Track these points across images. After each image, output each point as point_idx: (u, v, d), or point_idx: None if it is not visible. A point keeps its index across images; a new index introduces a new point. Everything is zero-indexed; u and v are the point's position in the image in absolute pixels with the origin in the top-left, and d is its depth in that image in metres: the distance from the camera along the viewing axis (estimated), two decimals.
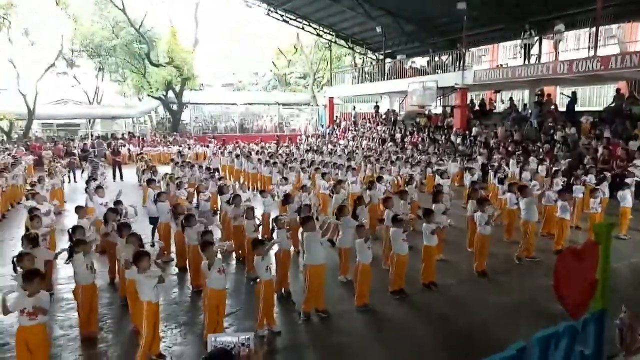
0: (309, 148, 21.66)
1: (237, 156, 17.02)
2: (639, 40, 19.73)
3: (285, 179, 11.07)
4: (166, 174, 12.52)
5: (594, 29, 16.20)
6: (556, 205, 8.22)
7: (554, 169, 12.31)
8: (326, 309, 6.06)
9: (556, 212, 8.15)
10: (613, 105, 17.56)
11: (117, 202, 8.14)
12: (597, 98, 24.35)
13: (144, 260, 4.59)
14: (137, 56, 30.71)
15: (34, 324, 4.14)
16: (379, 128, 26.20)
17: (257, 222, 7.66)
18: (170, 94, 31.71)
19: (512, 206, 8.71)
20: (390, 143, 22.11)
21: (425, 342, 5.49)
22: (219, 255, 5.92)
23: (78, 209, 7.80)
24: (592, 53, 15.70)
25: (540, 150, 15.33)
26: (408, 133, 23.36)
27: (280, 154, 18.82)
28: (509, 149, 16.29)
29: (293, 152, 20.45)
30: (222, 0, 28.90)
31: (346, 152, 18.67)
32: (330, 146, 22.84)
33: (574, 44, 21.63)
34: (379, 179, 10.95)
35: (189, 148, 23.83)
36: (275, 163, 14.26)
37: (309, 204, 8.12)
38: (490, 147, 17.33)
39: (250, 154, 18.01)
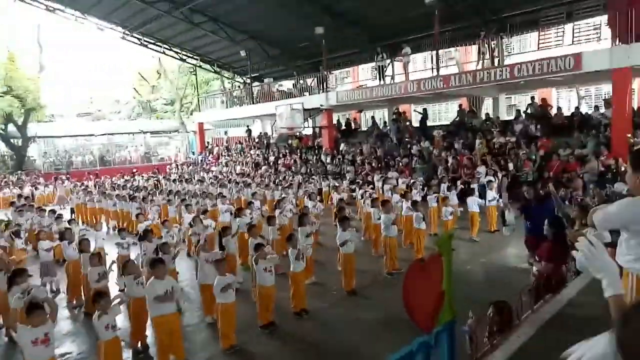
0: (176, 178, 20.49)
1: (89, 193, 15.40)
2: (473, 62, 22.47)
3: (139, 215, 10.14)
4: (1, 221, 10.72)
5: (435, 52, 18.08)
6: (412, 217, 8.69)
7: (411, 181, 13.15)
8: (186, 359, 5.48)
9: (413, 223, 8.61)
10: (457, 119, 19.66)
11: None
12: (445, 113, 27.15)
13: None
14: None
15: None
16: (252, 152, 25.98)
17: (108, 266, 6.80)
18: (13, 127, 27.83)
19: (376, 221, 9.00)
20: (264, 166, 21.98)
21: None
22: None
23: None
24: (435, 73, 17.43)
25: (400, 164, 16.41)
26: (281, 155, 23.51)
27: (145, 187, 17.48)
28: (373, 164, 17.17)
29: (160, 183, 19.17)
30: (70, 23, 26.00)
31: (217, 180, 18.00)
32: (202, 174, 21.95)
33: (422, 66, 23.92)
34: (249, 204, 10.63)
35: (36, 188, 20.92)
36: (134, 198, 13.11)
37: (167, 241, 7.46)
38: (356, 164, 18.12)
39: (113, 189, 16.47)
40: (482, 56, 17.24)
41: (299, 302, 6.55)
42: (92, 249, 7.63)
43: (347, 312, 6.82)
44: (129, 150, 33.17)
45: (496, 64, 16.19)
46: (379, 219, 8.81)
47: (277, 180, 15.93)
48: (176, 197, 13.42)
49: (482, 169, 13.86)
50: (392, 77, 20.64)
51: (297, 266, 6.43)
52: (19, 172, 26.21)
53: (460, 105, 20.47)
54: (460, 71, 19.51)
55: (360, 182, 13.74)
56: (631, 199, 2.70)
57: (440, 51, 25.17)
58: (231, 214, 10.32)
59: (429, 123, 21.40)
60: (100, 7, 23.41)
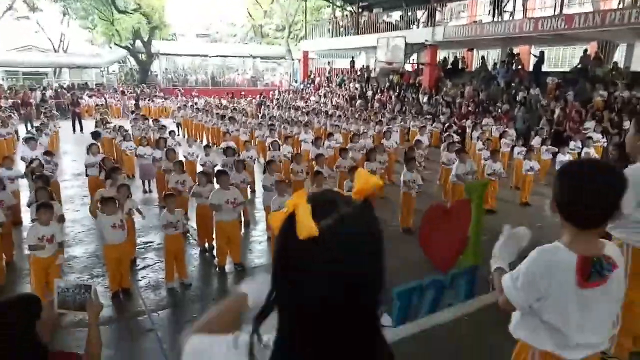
0: (270, 103, 21.36)
1: (196, 110, 16.79)
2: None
3: (226, 133, 10.98)
4: (115, 125, 12.31)
5: None
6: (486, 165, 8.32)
7: (503, 129, 12.35)
8: (242, 263, 6.16)
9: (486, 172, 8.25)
10: (579, 66, 17.51)
11: (47, 153, 8.02)
12: (570, 59, 24.22)
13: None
14: (103, 1, 29.29)
15: None
16: (351, 85, 25.85)
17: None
18: (140, 43, 30.62)
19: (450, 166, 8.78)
20: (359, 100, 21.88)
21: None
22: (129, 208, 5.95)
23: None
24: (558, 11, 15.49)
25: (499, 110, 15.35)
26: (379, 91, 23.11)
27: (243, 109, 18.55)
28: (470, 108, 16.26)
29: (260, 107, 20.18)
30: None
31: (309, 109, 18.43)
32: (299, 102, 22.57)
33: (551, 2, 21.22)
34: (330, 135, 10.92)
35: (152, 101, 23.25)
36: (231, 118, 14.06)
37: (242, 159, 8.11)
38: (452, 107, 17.29)
39: (218, 108, 17.77)
40: None
41: None
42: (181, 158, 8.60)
43: (396, 247, 6.96)
44: (238, 73, 34.85)
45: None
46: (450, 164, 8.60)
47: (363, 115, 15.88)
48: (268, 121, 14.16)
49: (590, 124, 12.48)
50: (512, 14, 18.68)
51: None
52: (142, 85, 29.14)
53: (585, 51, 18.09)
54: (594, 10, 17.13)
55: (447, 125, 13.20)
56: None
57: None
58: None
59: (546, 68, 19.34)
60: None
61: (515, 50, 20.06)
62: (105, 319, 4.78)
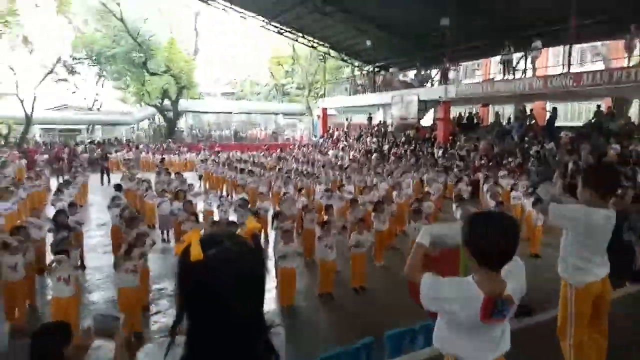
0: (288, 157, 22.10)
1: (217, 164, 17.48)
2: (623, 58, 19.77)
3: (244, 186, 11.44)
4: (139, 178, 12.96)
5: (575, 45, 16.45)
6: None
7: (514, 183, 12.50)
8: None
9: None
10: (593, 121, 17.77)
11: (72, 205, 8.57)
12: (586, 113, 24.49)
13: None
14: (136, 65, 31.37)
15: None
16: (368, 139, 26.53)
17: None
18: (168, 101, 32.35)
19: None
20: (375, 154, 22.39)
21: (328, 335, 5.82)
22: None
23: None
24: (566, 70, 15.97)
25: (512, 164, 15.55)
26: (395, 145, 23.65)
27: (261, 163, 19.22)
28: (482, 162, 16.51)
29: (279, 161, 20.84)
30: (220, 12, 29.08)
31: (325, 163, 18.96)
32: (317, 156, 23.23)
33: (562, 61, 21.84)
34: (340, 187, 11.28)
35: (178, 155, 24.32)
36: (250, 171, 14.62)
37: (257, 211, 8.47)
38: (466, 161, 17.57)
39: (238, 162, 18.51)
40: (630, 52, 15.35)
41: (356, 279, 7.03)
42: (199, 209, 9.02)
43: (402, 296, 7.06)
44: (260, 129, 36.20)
45: None
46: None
47: (377, 168, 16.28)
48: (285, 174, 14.66)
49: None
50: (524, 72, 19.26)
51: (355, 249, 6.91)
52: (168, 140, 30.46)
53: (598, 106, 18.39)
54: (605, 68, 17.56)
55: (458, 178, 13.43)
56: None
57: (586, 46, 22.73)
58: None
59: (562, 123, 19.60)
60: None
61: (529, 107, 20.50)
62: None
